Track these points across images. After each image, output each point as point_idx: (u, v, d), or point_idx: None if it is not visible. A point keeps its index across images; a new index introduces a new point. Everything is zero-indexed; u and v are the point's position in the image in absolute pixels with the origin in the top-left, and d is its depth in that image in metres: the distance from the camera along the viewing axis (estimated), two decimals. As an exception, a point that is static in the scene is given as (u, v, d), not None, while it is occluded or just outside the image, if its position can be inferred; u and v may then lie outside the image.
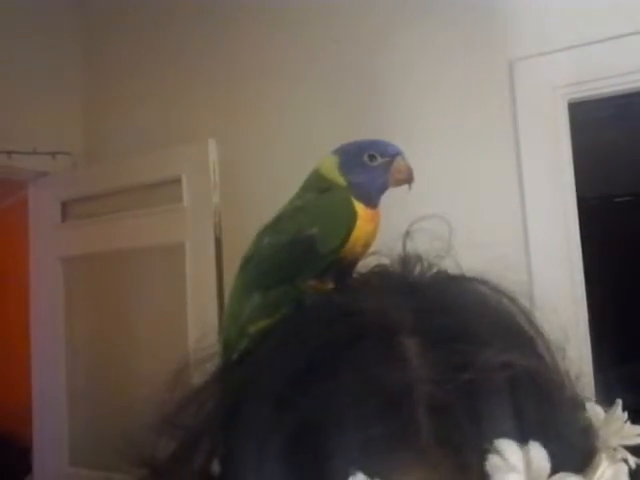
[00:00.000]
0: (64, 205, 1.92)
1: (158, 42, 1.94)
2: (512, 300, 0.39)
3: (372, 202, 0.58)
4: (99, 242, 1.78)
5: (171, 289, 1.62)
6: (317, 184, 0.60)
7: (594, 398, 0.36)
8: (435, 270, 0.41)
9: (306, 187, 0.61)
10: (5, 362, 2.91)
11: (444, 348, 0.29)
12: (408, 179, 0.60)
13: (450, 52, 1.47)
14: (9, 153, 1.78)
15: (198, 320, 1.53)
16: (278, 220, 0.59)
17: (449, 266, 0.43)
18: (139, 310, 1.70)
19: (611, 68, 1.31)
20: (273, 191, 1.68)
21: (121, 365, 1.72)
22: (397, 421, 0.27)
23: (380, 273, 0.43)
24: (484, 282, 0.40)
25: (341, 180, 0.58)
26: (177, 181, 1.60)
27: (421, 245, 0.44)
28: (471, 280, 0.40)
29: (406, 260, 0.42)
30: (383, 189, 0.59)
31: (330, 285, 0.49)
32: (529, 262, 1.35)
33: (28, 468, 2.08)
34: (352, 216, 0.55)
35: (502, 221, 1.40)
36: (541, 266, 1.34)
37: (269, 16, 1.73)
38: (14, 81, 1.87)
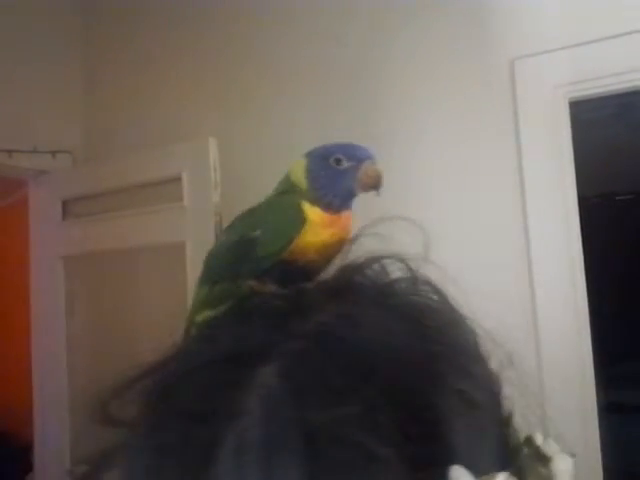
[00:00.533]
0: (65, 204, 1.92)
1: (158, 41, 1.94)
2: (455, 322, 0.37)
3: (333, 207, 0.56)
4: (100, 240, 1.78)
5: (172, 288, 1.62)
6: (283, 187, 0.60)
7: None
8: (386, 276, 0.39)
9: (276, 189, 0.61)
10: (6, 360, 2.91)
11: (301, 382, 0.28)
12: (376, 184, 0.58)
13: (450, 51, 1.47)
14: (9, 152, 1.78)
15: (199, 319, 1.53)
16: (235, 220, 0.61)
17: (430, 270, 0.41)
18: (140, 309, 1.70)
19: (612, 67, 1.30)
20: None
21: (121, 362, 1.72)
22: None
23: (325, 281, 0.42)
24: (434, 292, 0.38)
25: (304, 183, 0.57)
26: (178, 180, 1.60)
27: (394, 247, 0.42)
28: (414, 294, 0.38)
29: (351, 268, 0.40)
30: (349, 194, 0.57)
31: (270, 287, 0.48)
32: (530, 261, 1.35)
33: (29, 467, 2.09)
34: (297, 221, 0.54)
35: (503, 220, 1.40)
36: (542, 265, 1.34)
37: (270, 15, 1.73)
38: (14, 80, 1.87)
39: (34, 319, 1.98)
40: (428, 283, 0.38)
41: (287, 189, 0.59)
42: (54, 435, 1.87)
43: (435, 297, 0.37)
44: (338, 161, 0.57)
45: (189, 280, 1.57)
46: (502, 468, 0.29)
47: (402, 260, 0.39)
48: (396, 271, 0.39)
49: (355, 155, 0.58)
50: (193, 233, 1.57)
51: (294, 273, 0.50)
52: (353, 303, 0.34)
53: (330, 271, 0.45)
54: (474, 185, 1.43)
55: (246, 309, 0.40)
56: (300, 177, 0.58)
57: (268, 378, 0.28)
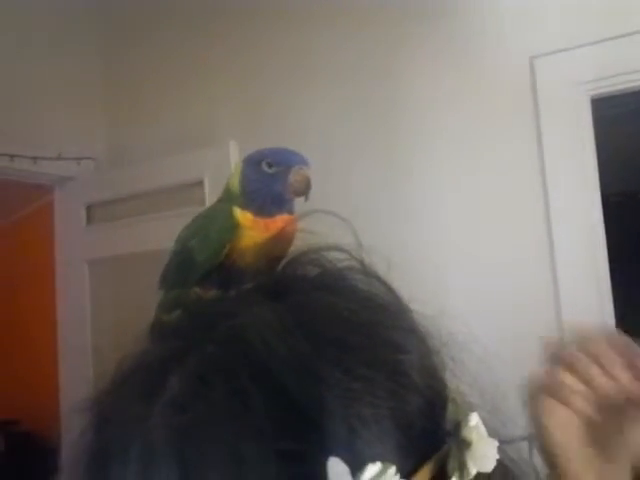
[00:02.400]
0: (89, 208, 1.95)
1: (178, 47, 1.96)
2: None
3: (266, 211, 0.57)
4: (124, 244, 1.81)
5: (195, 290, 1.64)
6: (223, 194, 0.62)
7: None
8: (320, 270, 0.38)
9: (218, 197, 0.63)
10: (33, 364, 2.96)
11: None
12: (304, 190, 0.58)
13: (470, 50, 1.47)
14: (35, 159, 1.82)
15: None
16: (182, 230, 0.64)
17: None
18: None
19: (633, 63, 1.29)
20: (294, 192, 1.69)
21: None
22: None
23: (262, 278, 0.42)
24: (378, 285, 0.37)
25: (237, 189, 0.59)
26: (199, 183, 1.62)
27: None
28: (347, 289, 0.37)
29: (293, 262, 0.40)
30: (280, 198, 0.58)
31: (212, 293, 0.50)
32: (553, 259, 1.34)
33: (55, 468, 2.12)
34: (228, 227, 0.56)
35: (526, 219, 1.39)
36: (566, 263, 1.33)
37: (288, 17, 1.74)
38: (39, 90, 1.91)
39: (60, 322, 2.02)
40: (367, 272, 0.37)
41: (225, 196, 0.61)
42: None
43: (380, 288, 0.37)
44: (269, 165, 0.58)
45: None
46: (416, 455, 0.28)
47: (343, 250, 0.39)
48: (340, 263, 0.38)
49: (285, 160, 0.58)
50: (215, 236, 1.58)
51: (236, 277, 0.51)
52: (273, 302, 0.34)
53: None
54: (496, 184, 1.43)
55: (188, 316, 0.41)
56: (235, 183, 0.59)
57: (174, 386, 0.29)
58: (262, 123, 1.75)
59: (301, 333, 0.30)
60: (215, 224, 0.58)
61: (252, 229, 0.56)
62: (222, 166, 1.56)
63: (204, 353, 0.30)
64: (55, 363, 2.03)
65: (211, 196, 1.60)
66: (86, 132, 2.05)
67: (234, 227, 0.56)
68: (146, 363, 0.33)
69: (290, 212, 0.59)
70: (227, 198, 0.60)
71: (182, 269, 0.60)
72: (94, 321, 1.90)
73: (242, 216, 0.56)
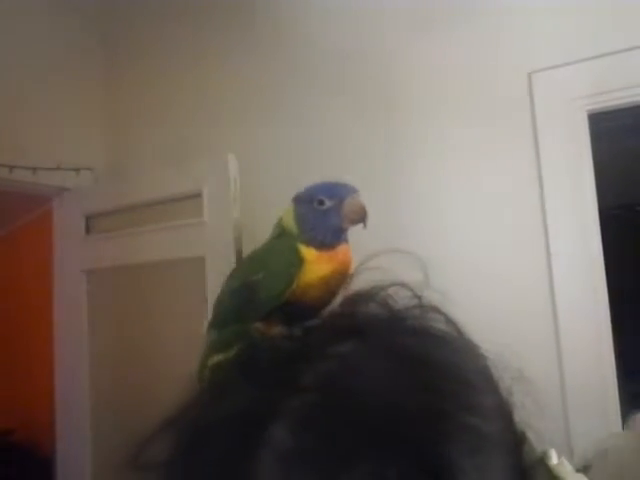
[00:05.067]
0: (87, 219, 1.95)
1: (177, 59, 1.97)
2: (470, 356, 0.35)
3: (327, 244, 0.59)
4: (122, 255, 1.81)
5: (192, 302, 1.63)
6: (277, 232, 0.64)
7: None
8: (391, 307, 0.38)
9: (270, 234, 0.65)
10: (29, 373, 2.95)
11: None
12: (361, 218, 0.60)
13: (469, 64, 1.48)
14: (34, 169, 1.82)
15: (219, 332, 1.54)
16: (236, 266, 0.65)
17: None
18: (161, 323, 1.72)
19: (630, 78, 1.30)
20: (292, 204, 1.70)
21: (144, 377, 1.74)
22: None
23: (331, 316, 0.41)
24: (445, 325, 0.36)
25: (294, 227, 0.61)
26: (198, 195, 1.62)
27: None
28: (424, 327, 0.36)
29: (357, 299, 0.39)
30: (338, 230, 0.60)
31: (277, 329, 0.50)
32: (551, 273, 1.34)
33: (50, 478, 2.10)
34: (294, 262, 0.57)
35: (523, 232, 1.39)
36: (563, 277, 1.33)
37: (289, 32, 1.75)
38: (38, 101, 1.92)
39: (57, 333, 2.01)
40: (435, 309, 0.37)
41: (281, 234, 0.63)
42: (76, 447, 1.89)
43: (442, 324, 0.37)
44: (321, 202, 0.60)
45: (209, 294, 1.58)
46: None
47: (407, 287, 0.39)
48: (402, 300, 0.38)
49: (335, 194, 0.61)
50: (213, 248, 1.58)
51: (300, 312, 0.51)
52: (357, 343, 0.33)
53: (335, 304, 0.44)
54: (494, 197, 1.43)
55: (254, 355, 0.40)
56: (290, 222, 0.62)
57: (279, 439, 0.28)
58: (261, 136, 1.76)
59: (410, 380, 0.30)
60: (282, 260, 0.59)
61: (316, 263, 0.58)
62: (220, 178, 1.57)
63: (305, 401, 0.29)
64: (51, 373, 2.02)
65: (209, 208, 1.60)
66: (85, 143, 2.06)
67: (300, 262, 0.57)
68: (234, 410, 0.31)
69: (346, 241, 0.61)
70: (285, 236, 0.61)
71: (242, 306, 0.60)
72: (91, 332, 1.90)
73: (306, 252, 0.58)
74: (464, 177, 1.46)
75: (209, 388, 0.37)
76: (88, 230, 1.95)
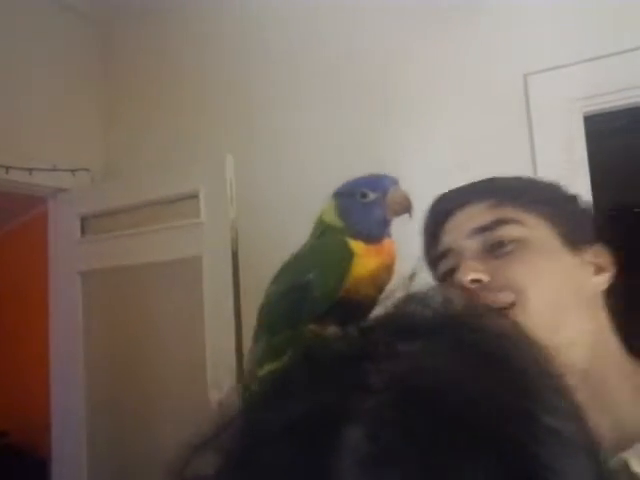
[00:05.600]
0: (83, 220, 1.95)
1: (175, 60, 1.97)
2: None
3: (373, 237, 0.58)
4: (118, 256, 1.81)
5: (189, 303, 1.63)
6: (318, 230, 0.62)
7: None
8: (447, 309, 0.36)
9: (311, 234, 0.63)
10: (23, 375, 2.94)
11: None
12: (406, 208, 0.60)
13: (465, 66, 1.48)
14: (30, 170, 1.82)
15: (215, 333, 1.54)
16: (281, 269, 0.62)
17: None
18: (157, 323, 1.72)
19: (625, 80, 1.31)
20: (288, 206, 1.69)
21: (139, 378, 1.74)
22: None
23: (388, 315, 0.39)
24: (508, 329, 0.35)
25: (338, 222, 0.59)
26: (195, 196, 1.62)
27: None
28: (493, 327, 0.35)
29: (411, 299, 0.38)
30: (383, 222, 0.59)
31: (332, 329, 0.47)
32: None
33: (45, 480, 2.10)
34: (346, 256, 0.56)
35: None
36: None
37: (284, 34, 1.75)
38: (35, 101, 1.91)
39: (52, 334, 2.01)
40: (494, 311, 0.36)
41: (324, 231, 0.61)
42: (71, 450, 1.88)
43: (503, 325, 0.35)
44: (364, 195, 0.59)
45: (206, 294, 1.58)
46: None
47: (455, 291, 0.37)
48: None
49: (378, 185, 0.60)
50: (210, 248, 1.58)
51: (351, 311, 0.51)
52: (426, 342, 0.32)
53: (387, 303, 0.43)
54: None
55: (312, 357, 0.37)
56: (333, 217, 0.60)
57: (356, 442, 0.26)
58: (257, 137, 1.76)
59: (491, 379, 0.29)
60: (333, 254, 0.57)
61: (366, 256, 0.56)
62: (217, 179, 1.57)
63: (378, 403, 0.28)
64: (46, 375, 2.01)
65: (206, 209, 1.60)
66: (82, 144, 2.05)
67: (352, 257, 0.56)
68: (298, 416, 0.29)
69: (389, 235, 0.60)
70: (331, 231, 0.60)
71: (294, 309, 0.57)
72: (86, 333, 1.89)
73: (355, 245, 0.57)
74: (459, 177, 1.46)
75: (263, 396, 0.35)
76: (84, 231, 1.95)
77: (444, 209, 0.65)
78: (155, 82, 2.01)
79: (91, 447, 1.85)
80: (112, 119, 2.11)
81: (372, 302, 0.53)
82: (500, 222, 0.59)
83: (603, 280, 0.61)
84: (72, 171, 1.95)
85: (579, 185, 1.35)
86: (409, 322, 0.35)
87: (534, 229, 0.59)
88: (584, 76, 1.35)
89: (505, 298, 0.54)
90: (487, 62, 1.45)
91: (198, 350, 1.56)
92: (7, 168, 1.75)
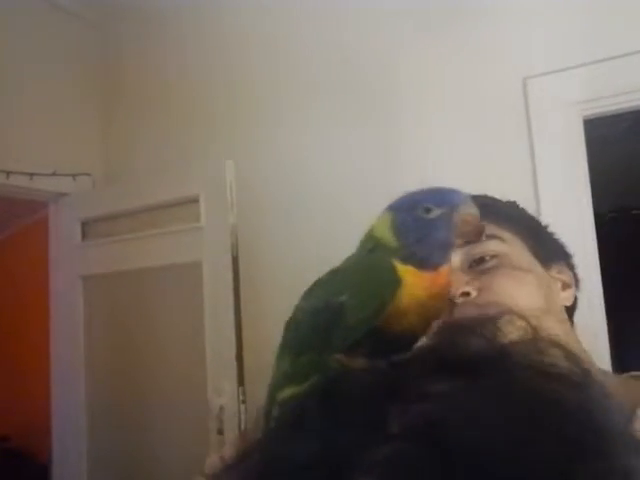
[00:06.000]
0: (84, 225, 1.95)
1: (175, 65, 1.98)
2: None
3: (430, 263, 0.48)
4: (118, 261, 1.81)
5: (189, 307, 1.64)
6: (367, 245, 0.52)
7: None
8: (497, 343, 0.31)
9: (359, 248, 0.54)
10: (24, 380, 2.94)
11: None
12: (476, 232, 0.49)
13: (464, 70, 1.48)
14: (31, 175, 1.82)
15: (215, 338, 1.54)
16: (315, 283, 0.54)
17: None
18: (157, 327, 1.72)
19: (625, 84, 1.31)
20: (289, 211, 1.70)
21: (140, 381, 1.74)
22: None
23: (425, 349, 0.35)
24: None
25: (391, 240, 0.49)
26: (195, 201, 1.62)
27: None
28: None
29: (456, 330, 0.33)
30: (447, 245, 0.49)
31: (360, 362, 0.42)
32: (546, 278, 1.35)
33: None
34: (390, 283, 0.47)
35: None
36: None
37: (283, 38, 1.76)
38: (36, 107, 1.92)
39: (53, 338, 2.01)
40: (556, 344, 0.31)
41: (373, 248, 0.51)
42: (72, 454, 1.88)
43: (564, 363, 0.30)
44: (427, 210, 0.49)
45: (206, 299, 1.58)
46: None
47: (519, 317, 0.32)
48: (512, 333, 0.32)
49: (445, 200, 0.49)
50: (210, 253, 1.59)
51: (388, 343, 0.43)
52: (460, 381, 0.28)
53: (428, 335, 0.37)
54: (488, 203, 1.43)
55: (333, 391, 0.33)
56: (387, 233, 0.50)
57: None
58: (257, 142, 1.76)
59: (524, 432, 0.24)
60: (375, 278, 0.48)
61: (415, 285, 0.47)
62: (217, 184, 1.57)
63: (395, 451, 0.25)
64: (47, 379, 2.01)
65: (206, 213, 1.61)
66: (82, 149, 2.06)
67: (397, 284, 0.47)
68: (311, 456, 0.27)
69: (449, 262, 0.50)
70: (379, 250, 0.50)
71: (325, 331, 0.49)
72: (87, 337, 1.89)
73: (404, 270, 0.47)
74: (458, 182, 1.46)
75: (278, 427, 0.32)
76: (84, 235, 1.95)
77: None
78: (156, 87, 2.02)
79: (92, 451, 1.85)
80: (112, 124, 2.12)
81: (415, 336, 0.45)
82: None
83: (569, 296, 0.64)
84: (73, 176, 1.95)
85: (579, 188, 1.35)
86: (446, 357, 0.30)
87: (512, 245, 0.61)
88: (584, 79, 1.35)
89: (490, 312, 0.53)
90: (486, 65, 1.46)
91: (198, 354, 1.56)
92: (8, 173, 1.76)
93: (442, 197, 0.50)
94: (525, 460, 0.23)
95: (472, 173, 1.46)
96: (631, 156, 2.31)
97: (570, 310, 0.64)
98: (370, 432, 0.26)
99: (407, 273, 0.47)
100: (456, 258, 0.58)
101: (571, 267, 0.67)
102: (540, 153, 1.37)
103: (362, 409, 0.28)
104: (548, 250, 0.65)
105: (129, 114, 2.08)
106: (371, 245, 0.51)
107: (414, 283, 0.47)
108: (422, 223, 0.48)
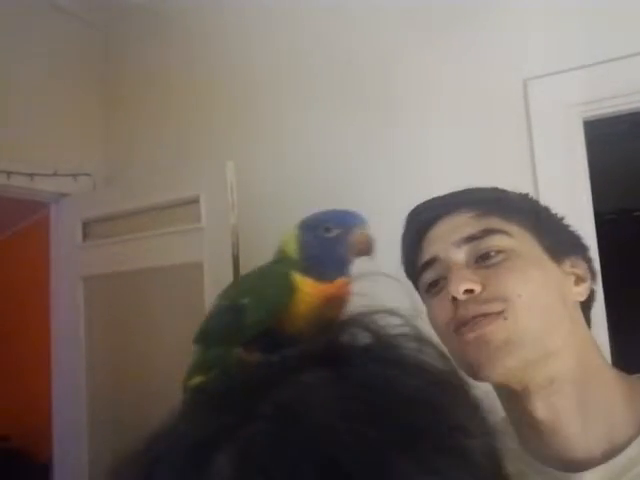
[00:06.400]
0: (85, 225, 1.95)
1: (176, 65, 1.98)
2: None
3: (327, 276, 0.55)
4: (119, 261, 1.81)
5: (190, 308, 1.64)
6: (277, 256, 0.60)
7: None
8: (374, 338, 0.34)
9: (272, 259, 0.61)
10: (25, 380, 2.94)
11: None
12: (367, 250, 0.57)
13: (464, 71, 1.48)
14: (31, 175, 1.83)
15: (216, 338, 1.54)
16: (230, 285, 0.61)
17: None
18: (158, 329, 1.72)
19: (625, 86, 1.31)
20: (289, 211, 1.69)
21: (141, 383, 1.74)
22: None
23: (308, 343, 0.37)
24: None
25: (295, 254, 0.57)
26: (195, 201, 1.63)
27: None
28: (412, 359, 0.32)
29: (340, 326, 0.36)
30: (342, 261, 0.56)
31: (256, 356, 0.47)
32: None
33: (48, 485, 2.10)
34: (285, 291, 0.54)
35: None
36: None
37: (284, 38, 1.76)
38: (36, 106, 1.92)
39: (54, 339, 2.01)
40: (427, 342, 0.33)
41: (279, 259, 0.59)
42: (73, 454, 1.88)
43: (437, 362, 0.33)
44: (327, 229, 0.56)
45: (206, 300, 1.58)
46: None
47: (397, 315, 0.34)
48: (391, 329, 0.34)
49: (344, 221, 0.57)
50: (210, 254, 1.59)
51: (282, 343, 0.48)
52: (324, 371, 0.30)
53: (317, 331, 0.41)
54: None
55: (223, 381, 0.37)
56: (291, 248, 0.58)
57: (218, 470, 0.26)
58: (258, 142, 1.76)
59: (365, 414, 0.27)
60: (271, 287, 0.56)
61: (310, 295, 0.54)
62: (218, 185, 1.57)
63: (254, 430, 0.27)
64: (48, 379, 2.02)
65: (207, 214, 1.61)
66: (83, 149, 2.06)
67: (291, 292, 0.54)
68: (189, 435, 0.29)
69: (348, 274, 0.57)
70: (283, 262, 0.58)
71: (228, 327, 0.57)
72: (88, 338, 1.90)
73: (301, 281, 0.55)
74: (458, 183, 1.46)
75: (178, 413, 0.35)
76: (85, 236, 1.95)
77: (425, 218, 0.65)
78: (156, 87, 2.02)
79: (92, 451, 1.85)
80: (113, 124, 2.12)
81: (308, 336, 0.51)
82: (488, 232, 0.59)
83: (583, 290, 0.62)
84: (74, 176, 1.95)
85: (579, 190, 1.35)
86: (321, 350, 0.33)
87: (519, 239, 0.60)
88: (584, 81, 1.35)
89: (495, 308, 0.54)
90: (486, 67, 1.46)
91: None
92: (8, 173, 1.76)
93: (341, 218, 0.58)
94: (358, 443, 0.26)
95: (472, 174, 1.45)
96: (631, 158, 2.31)
97: (585, 304, 0.63)
98: (239, 415, 0.28)
99: (304, 283, 0.54)
100: (460, 255, 0.59)
101: (587, 260, 0.65)
102: (540, 154, 1.38)
103: (239, 396, 0.31)
104: (562, 243, 0.64)
105: (130, 114, 2.09)
106: (278, 257, 0.59)
107: (309, 292, 0.54)
108: (322, 241, 0.56)
